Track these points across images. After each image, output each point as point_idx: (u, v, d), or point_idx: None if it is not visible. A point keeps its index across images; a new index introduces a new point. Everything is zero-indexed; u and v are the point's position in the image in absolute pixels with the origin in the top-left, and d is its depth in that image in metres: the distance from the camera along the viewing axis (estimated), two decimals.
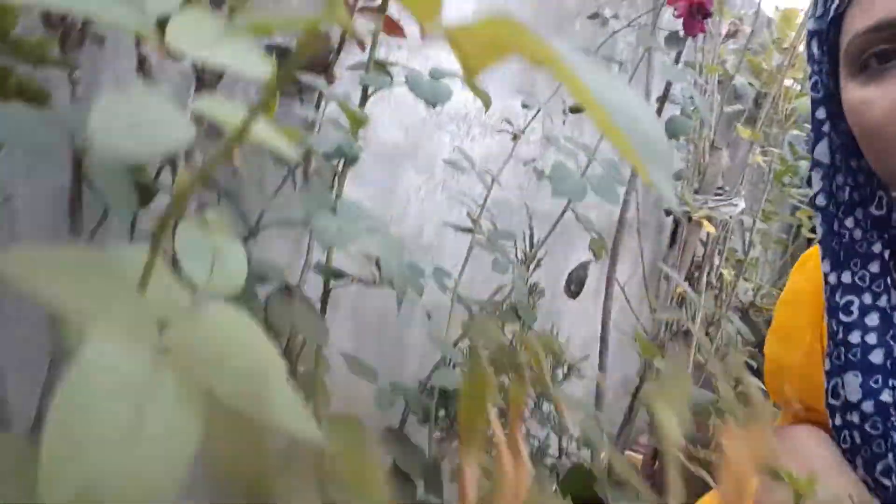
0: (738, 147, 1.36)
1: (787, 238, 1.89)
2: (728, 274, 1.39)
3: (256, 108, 0.20)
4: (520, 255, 1.01)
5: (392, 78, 0.71)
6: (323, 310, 0.77)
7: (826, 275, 0.68)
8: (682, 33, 0.85)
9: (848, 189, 0.66)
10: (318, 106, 0.86)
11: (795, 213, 1.79)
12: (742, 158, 1.30)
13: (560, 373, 0.93)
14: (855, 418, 0.64)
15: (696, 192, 1.29)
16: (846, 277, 0.66)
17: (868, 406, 0.62)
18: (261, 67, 0.23)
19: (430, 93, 0.66)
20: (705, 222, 1.20)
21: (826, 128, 0.67)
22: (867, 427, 0.63)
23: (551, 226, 0.98)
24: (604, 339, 1.22)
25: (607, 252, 1.04)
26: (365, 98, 0.70)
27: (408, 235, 1.09)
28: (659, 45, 0.87)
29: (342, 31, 0.84)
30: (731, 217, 1.26)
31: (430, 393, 0.92)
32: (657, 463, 1.36)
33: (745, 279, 1.49)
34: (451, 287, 0.93)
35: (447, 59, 1.12)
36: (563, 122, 0.95)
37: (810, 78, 0.69)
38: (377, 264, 0.65)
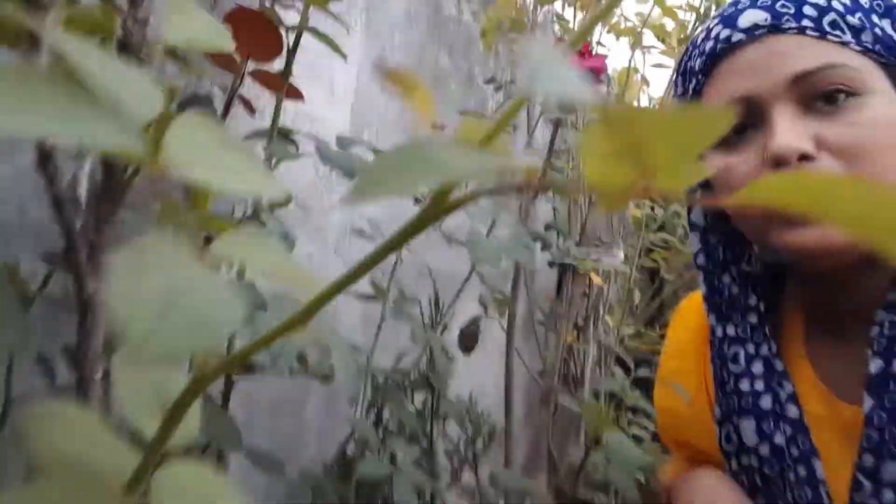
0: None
1: (649, 278, 2.02)
2: (612, 321, 1.45)
3: None
4: (426, 319, 0.97)
5: (298, 148, 0.65)
6: (225, 405, 0.67)
7: (713, 328, 0.71)
8: None
9: (721, 248, 0.70)
10: None
11: (650, 254, 1.93)
12: (619, 211, 1.36)
13: (480, 442, 0.89)
14: (753, 462, 0.66)
15: (578, 244, 1.34)
16: (731, 330, 0.69)
17: (764, 449, 0.65)
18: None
19: (346, 165, 0.61)
20: (593, 275, 1.24)
21: (698, 194, 0.71)
22: (765, 469, 0.65)
23: (455, 289, 0.95)
24: (508, 402, 1.21)
25: (508, 312, 1.03)
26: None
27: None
28: (552, 109, 0.90)
29: (230, 92, 0.77)
30: (612, 268, 1.31)
31: (341, 478, 0.84)
32: None
33: (626, 325, 1.57)
34: (363, 362, 0.87)
35: (341, 121, 1.07)
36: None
37: None
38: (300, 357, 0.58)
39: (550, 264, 1.46)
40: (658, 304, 2.04)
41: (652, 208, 1.65)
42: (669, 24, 1.44)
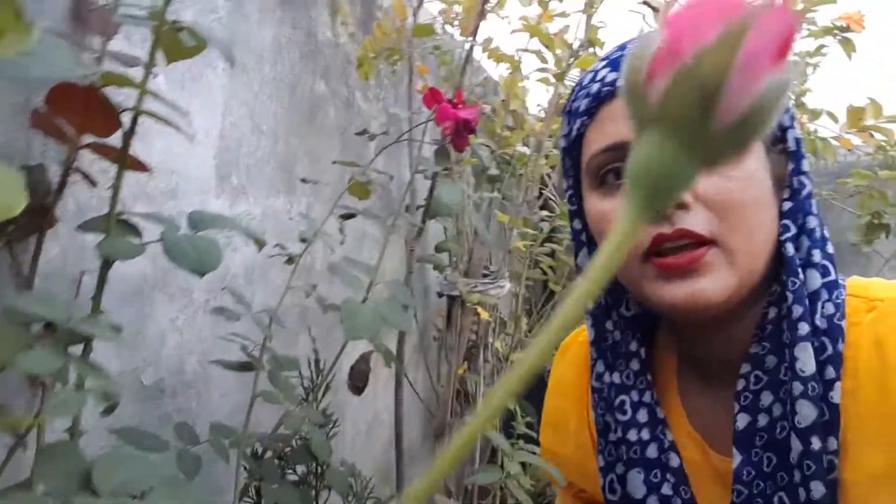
0: (501, 231, 1.43)
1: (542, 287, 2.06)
2: (502, 347, 1.45)
3: None
4: (305, 383, 0.92)
5: (142, 240, 0.58)
6: None
7: (600, 374, 0.71)
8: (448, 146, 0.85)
9: (603, 294, 0.70)
10: (35, 258, 0.68)
11: (537, 265, 1.96)
12: (504, 240, 1.36)
13: None
14: None
15: (465, 275, 1.32)
16: (616, 378, 0.69)
17: (653, 501, 0.65)
18: None
19: (195, 259, 0.55)
20: (479, 309, 1.23)
21: (584, 237, 0.70)
22: None
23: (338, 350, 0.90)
24: (399, 435, 1.18)
25: (395, 358, 0.99)
26: (105, 270, 0.56)
27: (167, 378, 0.93)
28: (429, 161, 0.86)
29: (65, 166, 0.68)
30: (499, 298, 1.31)
31: None
32: None
33: (515, 352, 1.58)
34: (238, 435, 0.81)
35: (197, 202, 0.99)
36: (342, 242, 0.88)
37: (566, 191, 0.72)
38: None
39: (439, 295, 1.44)
40: (547, 313, 2.08)
41: (532, 241, 1.68)
42: (549, 55, 1.45)
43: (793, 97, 2.54)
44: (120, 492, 0.38)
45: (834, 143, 2.00)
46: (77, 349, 0.51)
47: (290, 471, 0.91)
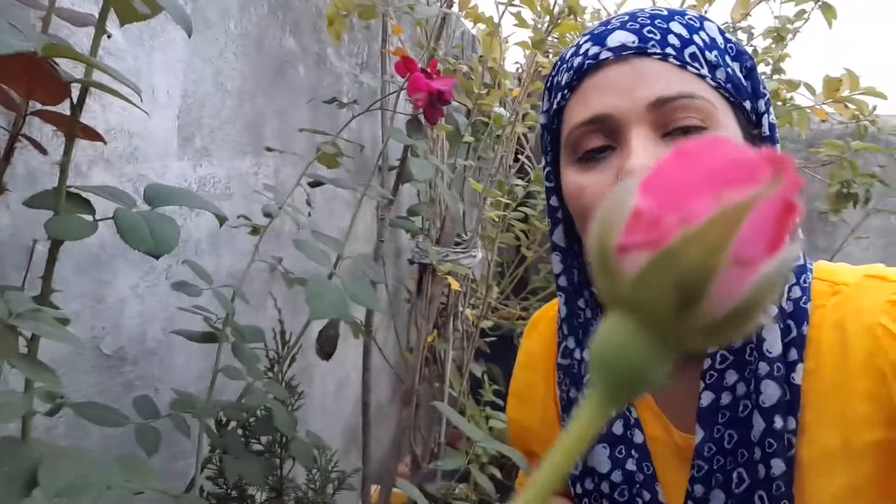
0: (473, 202, 1.40)
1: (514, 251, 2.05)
2: (471, 315, 1.45)
3: None
4: (270, 354, 0.90)
5: (95, 217, 0.55)
6: None
7: (570, 350, 0.71)
8: (421, 118, 0.82)
9: (576, 271, 0.70)
10: None
11: (510, 230, 1.95)
12: (475, 210, 1.34)
13: (331, 487, 0.85)
14: (605, 487, 0.68)
15: (437, 242, 1.31)
16: (587, 355, 0.71)
17: (617, 476, 0.67)
18: None
19: (150, 240, 0.52)
20: (450, 278, 1.22)
21: (560, 214, 0.70)
22: (616, 495, 0.67)
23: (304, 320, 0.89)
24: (366, 404, 1.18)
25: (363, 330, 0.98)
26: (56, 249, 0.53)
27: (127, 346, 0.91)
28: (400, 132, 0.83)
29: (12, 133, 0.65)
30: (470, 268, 1.30)
31: None
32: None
33: (486, 318, 1.58)
34: (199, 406, 0.80)
35: (158, 166, 0.95)
36: (309, 214, 0.86)
37: (544, 168, 0.71)
38: None
39: (410, 262, 1.42)
40: (518, 276, 2.09)
41: (505, 207, 1.66)
42: (528, 14, 1.41)
43: (771, 62, 2.53)
44: (66, 493, 0.37)
45: (809, 112, 2.01)
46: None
47: (255, 441, 0.90)
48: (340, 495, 0.89)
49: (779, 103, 2.11)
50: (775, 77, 2.37)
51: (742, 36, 2.29)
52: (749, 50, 2.43)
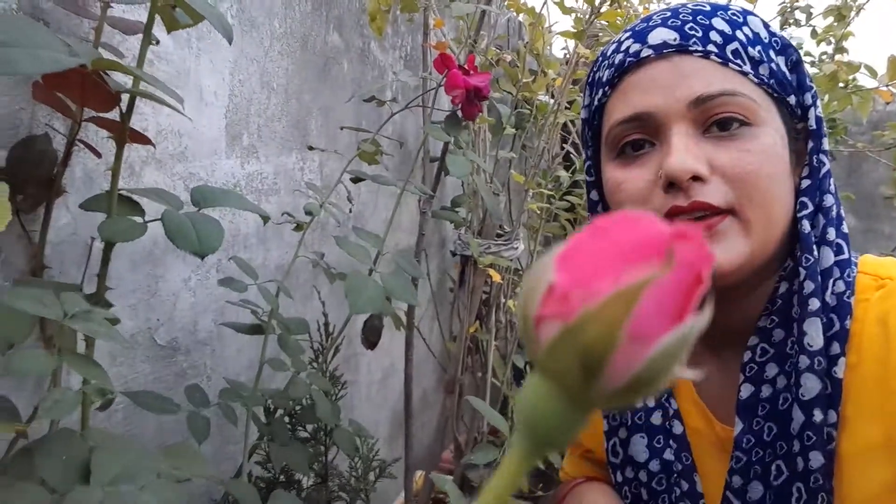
0: (518, 192, 1.40)
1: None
2: (514, 306, 1.45)
3: None
4: (314, 345, 0.93)
5: (144, 218, 0.59)
6: None
7: None
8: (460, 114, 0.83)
9: None
10: (44, 228, 0.69)
11: (555, 219, 1.93)
12: (519, 201, 1.34)
13: (372, 475, 0.88)
14: (642, 476, 0.69)
15: (479, 234, 1.31)
16: None
17: (654, 465, 0.68)
18: None
19: (196, 241, 0.55)
20: (491, 271, 1.22)
21: (600, 208, 0.71)
22: (653, 484, 0.68)
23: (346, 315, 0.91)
24: (408, 393, 1.20)
25: (404, 322, 1.00)
26: (109, 249, 0.56)
27: (180, 337, 0.95)
28: (438, 128, 0.84)
29: (69, 138, 0.68)
30: (511, 260, 1.30)
31: None
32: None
33: None
34: (248, 395, 0.83)
35: (208, 164, 0.98)
36: (350, 210, 0.88)
37: (585, 163, 0.72)
38: None
39: (453, 254, 1.43)
40: None
41: (549, 197, 1.64)
42: (571, 1, 1.39)
43: (833, 42, 2.42)
44: (117, 482, 0.40)
45: (873, 94, 1.92)
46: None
47: (301, 428, 0.94)
48: (382, 483, 0.92)
49: (840, 85, 2.02)
50: (836, 57, 2.27)
51: (800, 16, 2.21)
52: (808, 30, 2.33)
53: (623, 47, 0.62)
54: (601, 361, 0.17)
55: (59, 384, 0.42)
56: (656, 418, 0.69)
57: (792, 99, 0.61)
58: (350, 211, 0.91)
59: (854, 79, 2.05)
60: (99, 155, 0.70)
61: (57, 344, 0.52)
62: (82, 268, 0.76)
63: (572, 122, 2.00)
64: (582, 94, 0.72)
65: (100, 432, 0.53)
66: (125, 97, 0.58)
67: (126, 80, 0.58)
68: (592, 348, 0.17)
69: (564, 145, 1.91)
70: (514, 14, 2.18)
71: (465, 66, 0.81)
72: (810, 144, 0.62)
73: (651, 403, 0.69)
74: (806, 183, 0.61)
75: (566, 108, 1.76)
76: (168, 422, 0.88)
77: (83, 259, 0.76)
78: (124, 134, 0.55)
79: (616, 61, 0.62)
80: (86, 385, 0.44)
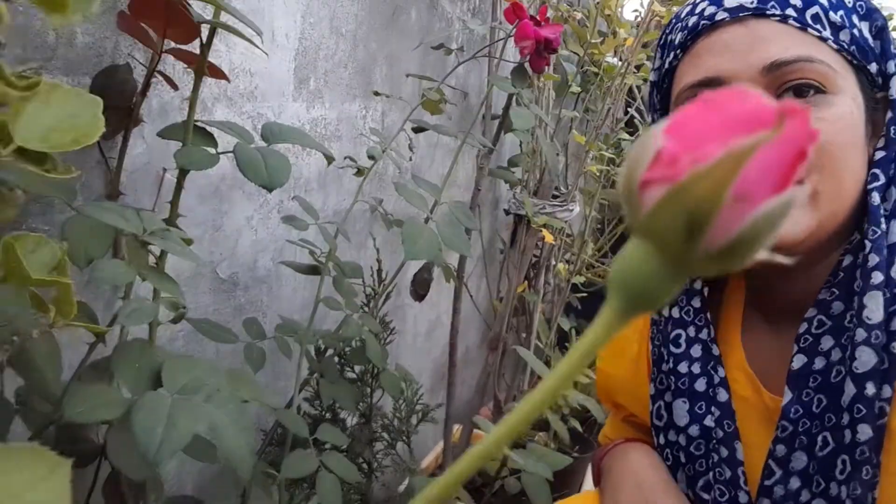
0: (576, 155, 1.38)
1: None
2: (563, 269, 1.45)
3: None
4: (367, 290, 0.95)
5: (217, 150, 0.60)
6: None
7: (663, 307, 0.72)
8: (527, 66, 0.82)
9: None
10: (121, 156, 0.72)
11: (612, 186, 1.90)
12: (577, 165, 1.32)
13: (415, 419, 0.91)
14: (682, 440, 0.69)
15: (535, 194, 1.30)
16: (675, 312, 0.71)
17: (694, 430, 0.68)
18: None
19: (265, 174, 0.57)
20: (544, 231, 1.22)
21: None
22: (692, 449, 0.69)
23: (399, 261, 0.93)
24: (453, 346, 1.22)
25: (454, 274, 1.02)
26: (183, 177, 0.59)
27: (240, 273, 0.99)
28: (504, 80, 0.84)
29: (149, 69, 0.71)
30: (566, 222, 1.29)
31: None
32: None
33: (578, 275, 1.57)
34: (301, 333, 0.86)
35: (275, 105, 1.00)
36: (410, 159, 0.88)
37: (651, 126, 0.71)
38: None
39: (506, 212, 1.43)
40: (618, 234, 2.05)
41: (610, 161, 1.61)
42: None
43: None
44: (185, 392, 0.42)
45: None
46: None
47: (349, 369, 0.97)
48: (424, 427, 0.94)
49: None
50: None
51: None
52: None
53: (698, 10, 0.60)
54: (707, 219, 0.18)
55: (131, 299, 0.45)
56: (700, 385, 0.68)
57: (873, 67, 0.59)
58: (410, 159, 0.92)
59: None
60: (176, 87, 0.72)
61: (129, 262, 0.55)
62: (154, 197, 0.79)
63: (638, 87, 1.95)
64: (652, 57, 0.70)
65: (166, 351, 0.56)
66: (205, 30, 0.60)
67: (206, 13, 0.60)
68: (699, 206, 0.18)
69: (629, 109, 1.87)
70: None
71: (537, 17, 0.80)
72: (889, 115, 0.60)
73: (696, 370, 0.69)
74: (880, 154, 0.59)
75: (634, 71, 1.71)
76: (226, 351, 0.92)
77: (155, 188, 0.79)
78: (203, 65, 0.57)
79: (690, 24, 0.60)
80: (156, 300, 0.46)
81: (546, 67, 0.81)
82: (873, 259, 0.57)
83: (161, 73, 0.71)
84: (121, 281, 0.41)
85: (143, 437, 0.39)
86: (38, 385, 0.41)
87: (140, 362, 0.43)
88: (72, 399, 0.41)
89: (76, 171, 0.43)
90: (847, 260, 0.60)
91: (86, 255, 0.46)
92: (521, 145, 1.62)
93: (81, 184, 0.72)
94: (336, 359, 0.96)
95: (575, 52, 1.73)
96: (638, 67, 1.81)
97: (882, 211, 0.58)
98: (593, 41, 1.62)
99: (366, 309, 0.99)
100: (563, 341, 1.50)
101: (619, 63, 1.72)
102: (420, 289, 1.30)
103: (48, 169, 0.38)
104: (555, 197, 1.31)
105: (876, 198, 0.58)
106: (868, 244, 0.57)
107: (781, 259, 0.20)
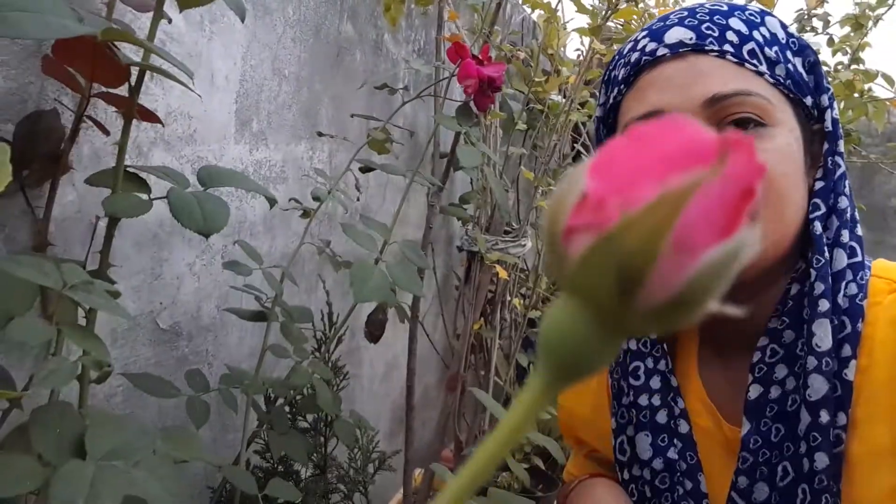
0: (527, 191, 1.39)
1: None
2: (519, 304, 1.44)
3: None
4: (317, 335, 0.92)
5: (150, 195, 0.58)
6: None
7: None
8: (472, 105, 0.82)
9: None
10: (49, 204, 0.68)
11: None
12: (527, 200, 1.33)
13: (371, 468, 0.87)
14: (647, 474, 0.68)
15: (487, 230, 1.30)
16: (633, 344, 0.71)
17: (658, 463, 0.67)
18: None
19: (201, 219, 0.54)
20: (498, 267, 1.21)
21: None
22: (657, 482, 0.67)
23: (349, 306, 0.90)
24: (410, 387, 1.19)
25: (408, 314, 0.99)
26: (113, 225, 0.55)
27: (183, 322, 0.94)
28: (450, 119, 0.83)
29: (77, 114, 0.68)
30: (518, 257, 1.29)
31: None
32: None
33: (534, 310, 1.56)
34: (248, 382, 0.82)
35: (216, 148, 0.98)
36: (358, 199, 0.87)
37: None
38: None
39: (459, 249, 1.42)
40: None
41: None
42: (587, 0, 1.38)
43: (849, 51, 2.40)
44: (111, 458, 0.39)
45: (887, 105, 1.90)
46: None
47: (301, 418, 0.93)
48: (381, 478, 0.91)
49: (855, 95, 2.00)
50: (853, 67, 2.25)
51: (818, 24, 2.19)
52: (825, 38, 2.31)
53: (639, 46, 0.62)
54: (641, 273, 0.15)
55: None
56: (661, 417, 0.68)
57: (808, 100, 0.61)
58: (358, 200, 0.90)
59: (870, 88, 2.03)
60: (107, 133, 0.69)
61: (57, 318, 0.52)
62: (86, 246, 0.75)
63: (584, 123, 1.99)
64: (597, 93, 0.72)
65: (97, 410, 0.52)
66: (135, 73, 0.57)
67: (138, 56, 0.58)
68: (632, 258, 0.15)
69: (576, 145, 1.90)
70: (529, 13, 2.17)
71: (479, 56, 0.80)
72: (826, 146, 0.61)
73: (656, 402, 0.69)
74: (820, 185, 0.61)
75: (578, 108, 1.75)
76: (168, 407, 0.87)
77: (87, 238, 0.76)
78: (132, 109, 0.54)
79: (632, 59, 0.62)
80: (84, 357, 0.43)
81: (491, 106, 0.81)
82: (819, 287, 0.58)
83: (90, 117, 0.68)
84: (35, 340, 0.38)
85: None
86: None
87: (61, 427, 0.39)
88: None
89: None
90: (794, 288, 0.61)
91: (5, 314, 0.43)
92: (471, 182, 1.62)
93: (4, 235, 0.68)
94: (287, 408, 0.92)
95: (520, 91, 1.76)
96: (582, 104, 1.85)
97: (825, 240, 0.59)
98: (537, 79, 1.65)
99: (317, 354, 0.95)
100: (521, 377, 1.48)
101: (564, 100, 1.76)
102: (375, 330, 1.27)
103: None
104: (506, 233, 1.31)
105: (818, 227, 0.59)
106: (813, 272, 0.58)
107: (732, 311, 0.17)
